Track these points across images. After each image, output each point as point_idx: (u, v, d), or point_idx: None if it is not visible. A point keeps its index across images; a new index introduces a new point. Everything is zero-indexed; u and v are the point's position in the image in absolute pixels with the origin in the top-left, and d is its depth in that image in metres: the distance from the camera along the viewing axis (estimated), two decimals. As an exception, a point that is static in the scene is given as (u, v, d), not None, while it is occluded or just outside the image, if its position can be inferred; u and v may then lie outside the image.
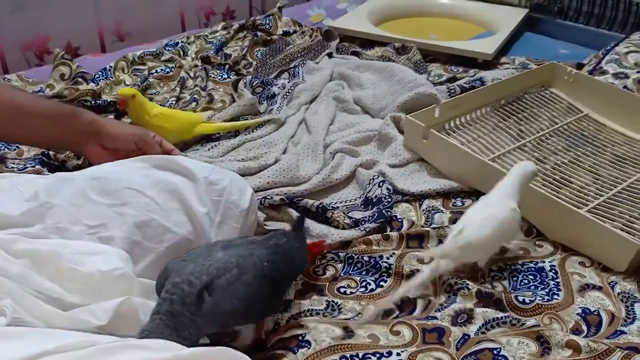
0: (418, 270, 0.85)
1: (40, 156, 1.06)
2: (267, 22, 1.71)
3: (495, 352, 0.73)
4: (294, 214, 0.97)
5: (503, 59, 1.56)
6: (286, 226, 0.96)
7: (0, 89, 0.92)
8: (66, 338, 0.56)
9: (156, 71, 1.43)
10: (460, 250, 0.82)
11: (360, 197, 1.04)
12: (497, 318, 0.78)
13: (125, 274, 0.68)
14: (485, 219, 0.84)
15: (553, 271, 0.87)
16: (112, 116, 1.24)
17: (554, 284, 0.85)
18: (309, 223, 0.95)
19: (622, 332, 0.77)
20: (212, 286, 0.64)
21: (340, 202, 1.04)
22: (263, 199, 0.98)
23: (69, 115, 0.92)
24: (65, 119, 0.91)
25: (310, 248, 0.82)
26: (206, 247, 0.71)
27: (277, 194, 1.00)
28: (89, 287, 0.67)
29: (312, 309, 0.81)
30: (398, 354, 0.72)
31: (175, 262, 0.68)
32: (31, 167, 1.03)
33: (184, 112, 1.22)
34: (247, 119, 1.26)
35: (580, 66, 1.45)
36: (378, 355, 0.72)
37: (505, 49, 1.63)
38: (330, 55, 1.57)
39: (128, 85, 1.38)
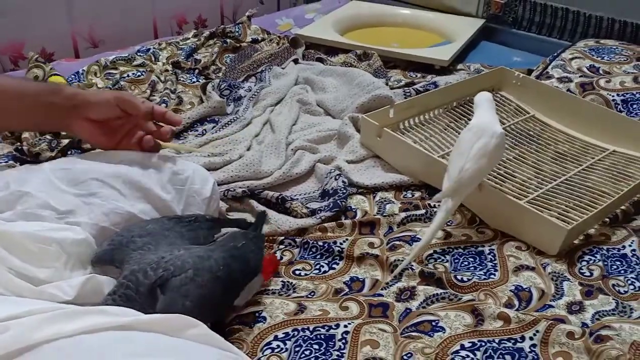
0: (368, 254, 0.93)
1: (14, 152, 1.11)
2: (237, 30, 1.79)
3: (433, 323, 0.80)
4: (255, 204, 1.03)
5: (459, 66, 1.65)
6: (248, 216, 1.03)
7: None
8: (34, 305, 0.61)
9: (128, 75, 1.49)
10: (466, 183, 0.91)
11: (318, 190, 1.11)
12: (437, 294, 0.85)
13: (92, 243, 0.73)
14: (480, 149, 0.93)
15: (492, 254, 0.95)
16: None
17: (491, 265, 0.93)
18: (269, 212, 1.01)
19: (550, 306, 0.85)
20: (166, 284, 0.67)
21: (300, 195, 1.11)
22: (226, 191, 1.05)
23: (51, 92, 0.87)
24: (48, 97, 0.86)
25: (266, 266, 0.85)
26: (166, 238, 0.75)
27: (240, 187, 1.06)
28: (58, 264, 0.72)
29: (268, 289, 0.87)
30: (345, 326, 0.79)
31: (132, 244, 0.73)
32: (4, 162, 1.08)
33: None
34: (215, 119, 1.33)
35: (530, 72, 1.54)
36: (327, 327, 0.79)
37: (462, 56, 1.73)
38: (296, 61, 1.64)
39: (100, 89, 1.43)
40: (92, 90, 0.95)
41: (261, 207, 1.02)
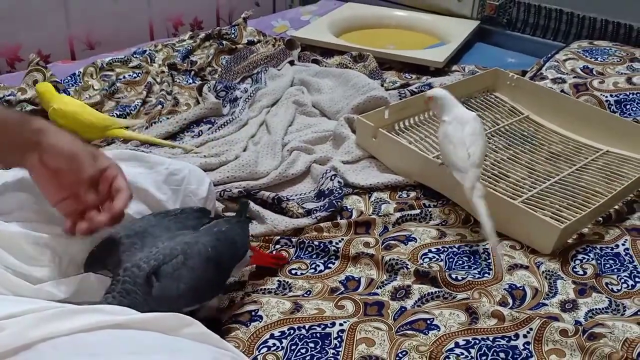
0: (364, 253, 0.93)
1: None
2: (233, 32, 1.79)
3: (428, 321, 0.81)
4: (252, 205, 1.04)
5: (454, 67, 1.66)
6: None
7: None
8: (32, 305, 0.62)
9: (124, 77, 1.50)
10: (479, 163, 0.98)
11: (314, 190, 1.12)
12: (432, 293, 0.86)
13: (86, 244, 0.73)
14: (473, 133, 1.00)
15: (486, 253, 0.96)
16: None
17: (485, 264, 0.94)
18: (265, 213, 1.02)
19: (544, 304, 0.86)
20: (159, 272, 0.69)
21: (296, 195, 1.11)
22: (222, 192, 1.05)
23: (19, 122, 0.74)
24: (15, 127, 0.73)
25: (263, 256, 0.88)
26: (151, 234, 0.75)
27: (236, 188, 1.07)
28: (52, 264, 0.73)
29: (264, 289, 0.88)
30: (341, 324, 0.80)
31: (122, 246, 0.74)
32: None
33: (93, 114, 1.23)
34: (211, 120, 1.34)
35: (524, 73, 1.55)
36: (323, 326, 0.80)
37: (457, 58, 1.74)
38: (292, 62, 1.65)
39: (96, 91, 1.44)
40: (63, 134, 0.75)
41: (257, 207, 1.03)
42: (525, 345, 0.77)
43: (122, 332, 0.59)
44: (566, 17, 1.77)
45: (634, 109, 1.31)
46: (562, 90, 1.40)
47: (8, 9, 1.66)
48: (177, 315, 0.62)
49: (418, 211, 1.05)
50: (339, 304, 0.84)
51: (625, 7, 1.66)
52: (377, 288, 0.88)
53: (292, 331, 0.79)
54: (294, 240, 0.97)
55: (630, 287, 0.90)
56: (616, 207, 1.08)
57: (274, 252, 0.96)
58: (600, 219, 1.05)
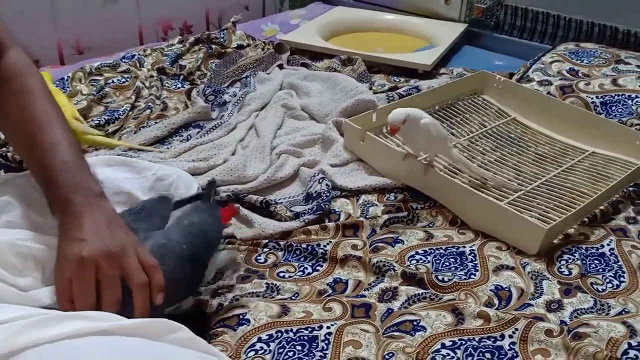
0: (351, 256, 0.94)
1: (-1, 159, 1.12)
2: (222, 36, 1.80)
3: (414, 323, 0.82)
4: (241, 209, 1.04)
5: (442, 70, 1.67)
6: (233, 220, 1.03)
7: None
8: (18, 312, 0.62)
9: (112, 81, 1.50)
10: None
11: (302, 194, 1.13)
12: (419, 294, 0.86)
13: None
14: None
15: (472, 255, 0.97)
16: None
17: (472, 265, 0.94)
18: (253, 216, 1.02)
19: (530, 305, 0.87)
20: None
21: (284, 198, 1.12)
22: (211, 196, 1.05)
23: (72, 187, 0.71)
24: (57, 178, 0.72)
25: (223, 214, 0.87)
26: None
27: (224, 192, 1.07)
28: (35, 274, 0.72)
29: (252, 292, 0.88)
30: (328, 327, 0.80)
31: None
32: (-12, 169, 1.09)
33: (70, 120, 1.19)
34: (200, 124, 1.34)
35: (512, 75, 1.57)
36: (310, 329, 0.80)
37: (445, 61, 1.75)
38: (281, 66, 1.66)
39: (85, 96, 1.43)
40: (82, 222, 0.69)
41: (245, 211, 1.03)
42: (511, 346, 0.78)
43: (107, 339, 0.59)
44: (553, 19, 1.79)
45: (620, 110, 1.33)
46: (549, 93, 1.41)
47: (-4, 13, 1.66)
48: (164, 320, 0.62)
49: (405, 213, 1.06)
50: (326, 306, 0.85)
51: (611, 10, 1.68)
52: (365, 290, 0.88)
53: (279, 334, 0.79)
54: (282, 243, 0.97)
55: (615, 287, 0.91)
56: (602, 207, 1.09)
57: (262, 252, 0.96)
58: (586, 219, 1.06)
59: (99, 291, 0.66)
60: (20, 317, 0.59)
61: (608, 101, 1.35)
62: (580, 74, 1.43)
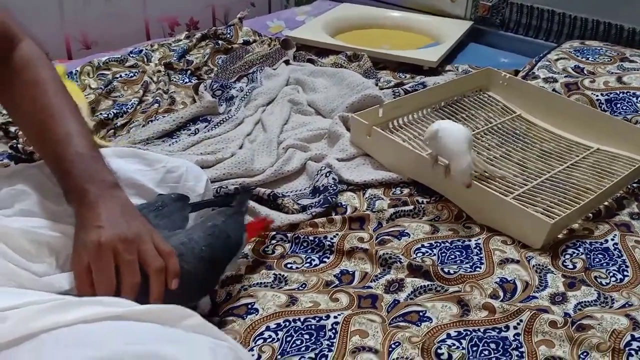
0: (358, 248, 0.95)
1: (9, 151, 1.13)
2: (229, 31, 1.81)
3: (420, 313, 0.83)
4: (249, 202, 1.05)
5: (448, 67, 1.68)
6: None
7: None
8: (34, 297, 0.63)
9: (120, 76, 1.51)
10: None
11: (309, 187, 1.14)
12: (424, 286, 0.88)
13: None
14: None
15: (478, 248, 0.98)
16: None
17: (477, 259, 0.95)
18: (260, 209, 1.03)
19: (534, 297, 0.88)
20: None
21: (291, 192, 1.13)
22: (219, 188, 1.07)
23: (86, 176, 0.72)
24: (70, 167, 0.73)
25: (253, 226, 0.88)
26: None
27: (232, 184, 1.09)
28: (49, 260, 0.73)
29: (260, 282, 0.89)
30: (335, 317, 0.81)
31: None
32: None
33: None
34: (208, 119, 1.36)
35: (517, 73, 1.57)
36: (318, 318, 0.81)
37: (451, 58, 1.76)
38: (287, 62, 1.67)
39: (93, 90, 1.45)
40: (97, 214, 0.70)
41: (253, 203, 1.04)
42: (516, 336, 0.79)
43: (122, 324, 0.60)
44: (558, 17, 1.80)
45: (624, 107, 1.34)
46: (554, 89, 1.42)
47: (3, 7, 1.66)
48: (177, 307, 0.63)
49: (411, 207, 1.07)
50: (333, 296, 0.86)
51: (616, 8, 1.69)
52: (371, 281, 0.90)
53: (287, 323, 0.80)
54: (289, 235, 0.98)
55: (618, 281, 0.92)
56: (606, 203, 1.10)
57: (269, 244, 0.97)
58: (591, 214, 1.07)
59: (117, 277, 0.67)
60: (36, 302, 0.60)
61: (613, 98, 1.36)
62: (585, 72, 1.44)
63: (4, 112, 1.27)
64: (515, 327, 0.80)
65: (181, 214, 0.83)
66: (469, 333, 0.79)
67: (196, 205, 0.86)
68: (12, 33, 0.83)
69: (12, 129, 1.21)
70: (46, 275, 0.72)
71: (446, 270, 0.91)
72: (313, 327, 0.80)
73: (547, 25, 1.83)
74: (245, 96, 1.45)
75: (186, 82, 1.54)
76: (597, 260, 0.96)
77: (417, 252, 0.96)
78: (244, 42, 1.78)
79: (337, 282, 0.90)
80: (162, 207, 0.80)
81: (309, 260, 0.95)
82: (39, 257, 0.73)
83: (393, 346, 0.77)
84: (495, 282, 0.90)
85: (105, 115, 1.34)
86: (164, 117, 1.34)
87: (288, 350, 0.76)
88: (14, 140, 1.17)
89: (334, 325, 0.80)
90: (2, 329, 0.56)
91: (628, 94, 1.35)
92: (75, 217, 0.72)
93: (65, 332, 0.58)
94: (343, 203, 1.08)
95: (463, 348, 0.77)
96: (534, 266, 0.94)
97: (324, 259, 0.95)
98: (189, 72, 1.59)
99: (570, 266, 0.95)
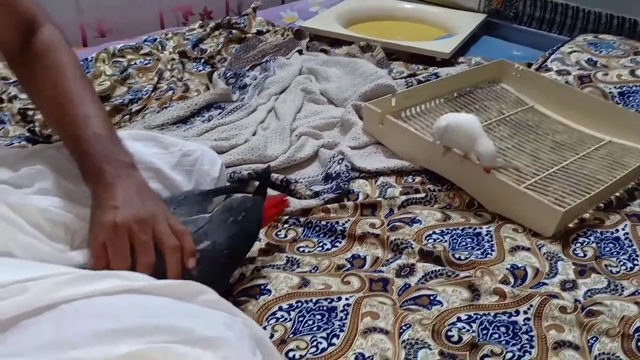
0: (369, 233, 0.96)
1: (26, 133, 1.15)
2: (242, 21, 1.82)
3: (431, 297, 0.84)
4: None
5: (461, 59, 1.68)
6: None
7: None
8: (53, 270, 0.64)
9: (135, 63, 1.53)
10: None
11: (321, 174, 1.15)
12: (435, 271, 0.89)
13: None
14: None
15: (489, 235, 0.98)
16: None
17: (488, 246, 0.96)
18: (273, 194, 1.04)
19: (544, 284, 0.88)
20: None
21: (304, 178, 1.14)
22: (232, 173, 1.08)
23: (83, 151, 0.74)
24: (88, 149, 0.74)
25: (269, 212, 0.88)
26: None
27: (245, 170, 1.10)
28: (66, 239, 0.75)
29: (273, 264, 0.90)
30: (347, 299, 0.82)
31: None
32: (17, 143, 1.12)
33: None
34: (221, 106, 1.37)
35: (530, 66, 1.57)
36: (329, 300, 0.82)
37: (463, 50, 1.76)
38: (300, 52, 1.67)
39: (108, 76, 1.46)
40: (115, 190, 0.72)
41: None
42: (526, 321, 0.80)
43: (139, 297, 0.61)
44: (572, 11, 1.79)
45: (637, 100, 1.33)
46: (567, 82, 1.42)
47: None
48: (193, 283, 0.65)
49: (423, 195, 1.08)
50: (345, 279, 0.87)
51: (630, 2, 1.68)
52: (382, 266, 0.91)
53: (299, 304, 0.81)
54: (302, 220, 0.99)
55: (628, 269, 0.92)
56: (617, 194, 1.10)
57: (282, 228, 0.98)
58: (602, 205, 1.07)
59: (133, 257, 0.69)
60: (56, 274, 0.62)
61: (626, 91, 1.36)
62: (598, 65, 1.44)
63: (22, 96, 1.29)
64: (525, 312, 0.81)
65: (200, 207, 0.84)
66: (479, 317, 0.80)
67: (215, 192, 0.87)
68: (34, 17, 0.84)
69: (30, 112, 1.22)
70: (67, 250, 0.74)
71: (457, 256, 0.92)
72: (325, 308, 0.81)
73: (560, 18, 1.82)
74: (258, 84, 1.46)
75: (200, 70, 1.55)
76: (608, 249, 0.97)
77: (428, 238, 0.97)
78: (258, 32, 1.79)
79: (348, 266, 0.91)
80: (185, 201, 0.81)
81: (320, 244, 0.96)
82: (54, 235, 0.74)
83: (404, 328, 0.78)
84: (506, 269, 0.91)
85: (121, 101, 1.35)
86: (178, 103, 1.35)
87: (300, 329, 0.77)
88: (31, 124, 1.18)
89: (345, 306, 0.81)
90: (24, 300, 0.58)
91: (641, 87, 1.35)
92: (92, 196, 0.73)
93: (84, 304, 0.59)
94: (355, 190, 1.09)
95: (473, 331, 0.78)
96: (544, 254, 0.94)
97: (336, 244, 0.96)
98: (202, 60, 1.60)
99: (581, 254, 0.95)
